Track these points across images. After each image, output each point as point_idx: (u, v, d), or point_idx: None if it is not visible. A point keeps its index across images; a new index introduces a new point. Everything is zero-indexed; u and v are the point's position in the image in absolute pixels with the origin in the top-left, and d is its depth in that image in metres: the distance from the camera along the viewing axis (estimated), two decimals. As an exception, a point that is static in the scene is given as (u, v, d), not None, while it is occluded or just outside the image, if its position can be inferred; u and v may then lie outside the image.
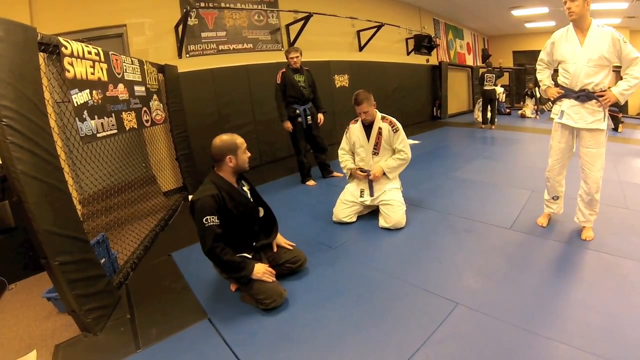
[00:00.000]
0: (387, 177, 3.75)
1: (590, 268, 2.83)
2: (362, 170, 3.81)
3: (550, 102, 3.49)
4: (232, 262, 2.46)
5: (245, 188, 2.74)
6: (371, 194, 3.77)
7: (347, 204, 3.83)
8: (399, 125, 3.72)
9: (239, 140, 2.57)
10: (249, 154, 2.63)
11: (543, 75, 3.33)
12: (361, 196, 3.82)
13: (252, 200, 2.72)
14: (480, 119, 10.47)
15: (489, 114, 10.15)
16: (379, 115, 3.75)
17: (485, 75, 9.89)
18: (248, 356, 2.12)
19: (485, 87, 9.93)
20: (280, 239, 2.94)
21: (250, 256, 2.63)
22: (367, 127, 3.76)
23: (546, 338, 2.08)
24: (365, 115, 3.66)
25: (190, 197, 5.02)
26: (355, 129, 3.84)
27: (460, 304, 2.42)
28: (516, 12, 12.17)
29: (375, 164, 3.76)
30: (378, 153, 3.77)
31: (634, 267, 2.74)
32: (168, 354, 2.20)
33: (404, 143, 3.72)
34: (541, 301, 2.43)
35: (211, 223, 2.38)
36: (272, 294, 2.48)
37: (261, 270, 2.52)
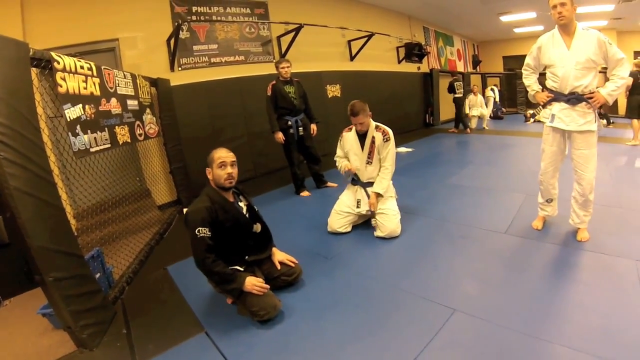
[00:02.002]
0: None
1: (587, 269, 2.85)
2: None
3: (540, 107, 3.55)
4: (222, 274, 2.46)
5: (242, 204, 2.74)
6: (369, 196, 3.75)
7: (341, 215, 3.82)
8: (391, 135, 3.74)
9: (217, 155, 2.58)
10: (227, 171, 2.56)
11: (530, 80, 3.38)
12: (357, 206, 3.81)
13: (247, 215, 2.73)
14: (473, 125, 10.72)
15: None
16: (373, 124, 3.76)
17: (455, 83, 10.40)
18: (246, 368, 2.11)
19: (456, 95, 10.46)
20: (282, 255, 2.92)
21: (242, 269, 2.62)
22: (361, 136, 3.78)
23: (546, 341, 2.08)
24: (361, 126, 3.69)
25: (184, 210, 5.00)
26: (349, 138, 3.84)
27: (458, 310, 2.42)
28: (504, 18, 12.32)
29: (371, 197, 3.71)
30: (372, 162, 3.79)
31: (631, 266, 2.77)
32: (165, 369, 2.18)
33: (391, 153, 3.74)
34: (539, 304, 2.43)
35: (202, 234, 2.40)
36: (266, 306, 2.47)
37: (251, 283, 2.50)
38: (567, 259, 3.02)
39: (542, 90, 3.29)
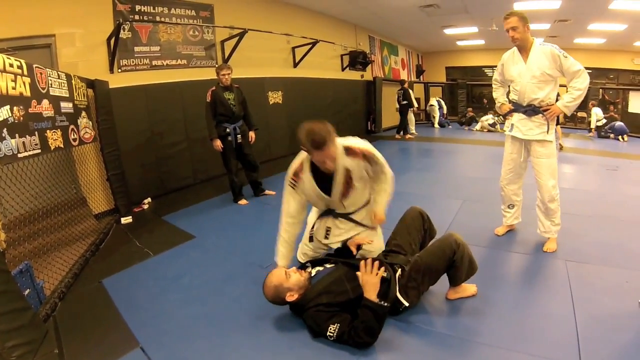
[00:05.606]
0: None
1: (518, 269, 3.14)
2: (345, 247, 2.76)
3: (502, 117, 3.81)
4: None
5: None
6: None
7: (308, 250, 3.12)
8: (372, 151, 2.67)
9: None
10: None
11: (498, 93, 3.62)
12: (326, 237, 2.96)
13: None
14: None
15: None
16: (341, 149, 2.57)
17: (398, 92, 11.54)
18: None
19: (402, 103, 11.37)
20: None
21: None
22: (328, 176, 2.64)
23: (479, 343, 2.21)
24: (331, 163, 2.50)
25: (122, 219, 4.81)
26: (308, 181, 2.69)
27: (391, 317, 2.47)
28: (448, 31, 12.88)
29: (376, 209, 2.88)
30: (348, 195, 2.76)
31: (560, 265, 3.06)
32: (100, 389, 2.08)
33: (380, 162, 2.72)
34: (466, 306, 2.59)
35: None
36: None
37: None
38: (503, 262, 3.27)
39: (509, 102, 3.52)
